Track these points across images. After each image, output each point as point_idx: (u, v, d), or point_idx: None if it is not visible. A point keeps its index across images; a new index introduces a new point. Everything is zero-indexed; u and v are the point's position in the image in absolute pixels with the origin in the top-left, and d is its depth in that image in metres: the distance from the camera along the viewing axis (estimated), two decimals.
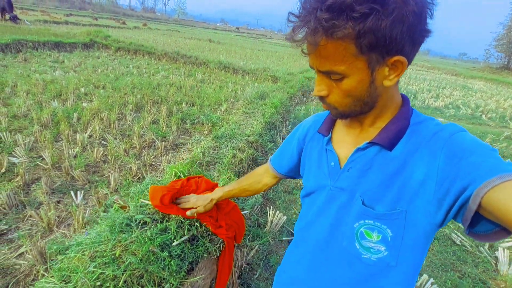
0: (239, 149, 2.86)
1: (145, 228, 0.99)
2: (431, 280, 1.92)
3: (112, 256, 0.87)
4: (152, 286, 0.84)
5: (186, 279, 0.92)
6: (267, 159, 3.26)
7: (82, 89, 4.70)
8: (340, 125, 0.68)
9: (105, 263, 0.85)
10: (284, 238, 2.27)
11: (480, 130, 6.08)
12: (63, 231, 1.89)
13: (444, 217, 0.50)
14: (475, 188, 0.42)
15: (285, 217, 2.32)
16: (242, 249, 1.91)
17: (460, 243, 2.48)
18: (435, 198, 0.49)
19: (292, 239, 2.32)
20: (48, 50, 7.80)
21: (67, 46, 8.57)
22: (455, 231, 2.59)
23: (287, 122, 4.70)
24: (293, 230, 2.34)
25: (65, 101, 4.15)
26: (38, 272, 1.58)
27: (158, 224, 1.02)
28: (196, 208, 0.98)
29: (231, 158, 2.63)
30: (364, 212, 0.57)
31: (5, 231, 1.85)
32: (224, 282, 1.10)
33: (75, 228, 1.90)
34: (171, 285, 0.87)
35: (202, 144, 2.87)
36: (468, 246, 2.44)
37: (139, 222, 0.99)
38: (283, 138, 4.09)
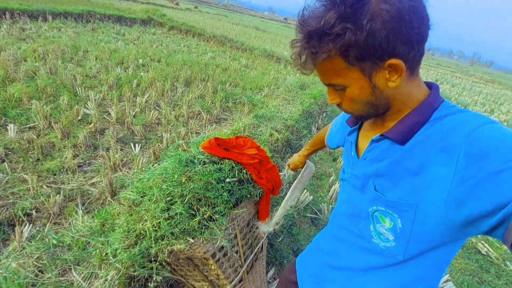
0: (276, 130, 3.07)
1: (205, 166, 1.24)
2: (447, 276, 1.98)
3: (179, 181, 1.13)
4: (207, 207, 1.09)
5: (233, 210, 1.16)
6: (301, 144, 3.37)
7: (140, 60, 5.19)
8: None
9: (174, 185, 1.11)
10: (307, 215, 2.46)
11: None
12: (125, 171, 2.26)
13: (464, 222, 0.46)
14: None
15: (311, 197, 2.50)
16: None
17: (485, 253, 2.46)
18: (451, 197, 0.46)
19: (314, 217, 2.47)
20: (112, 23, 8.57)
21: (128, 21, 9.32)
22: (482, 241, 2.57)
23: (324, 114, 4.79)
24: (317, 210, 2.52)
25: (127, 68, 4.65)
26: (106, 198, 1.96)
27: (215, 164, 1.26)
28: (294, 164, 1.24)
29: (268, 137, 2.85)
30: (376, 198, 0.59)
31: (81, 163, 2.28)
32: (263, 218, 1.37)
33: (134, 171, 2.26)
34: (221, 211, 1.11)
35: (243, 120, 3.12)
36: (494, 258, 2.41)
37: (200, 161, 1.25)
38: (318, 128, 4.21)
